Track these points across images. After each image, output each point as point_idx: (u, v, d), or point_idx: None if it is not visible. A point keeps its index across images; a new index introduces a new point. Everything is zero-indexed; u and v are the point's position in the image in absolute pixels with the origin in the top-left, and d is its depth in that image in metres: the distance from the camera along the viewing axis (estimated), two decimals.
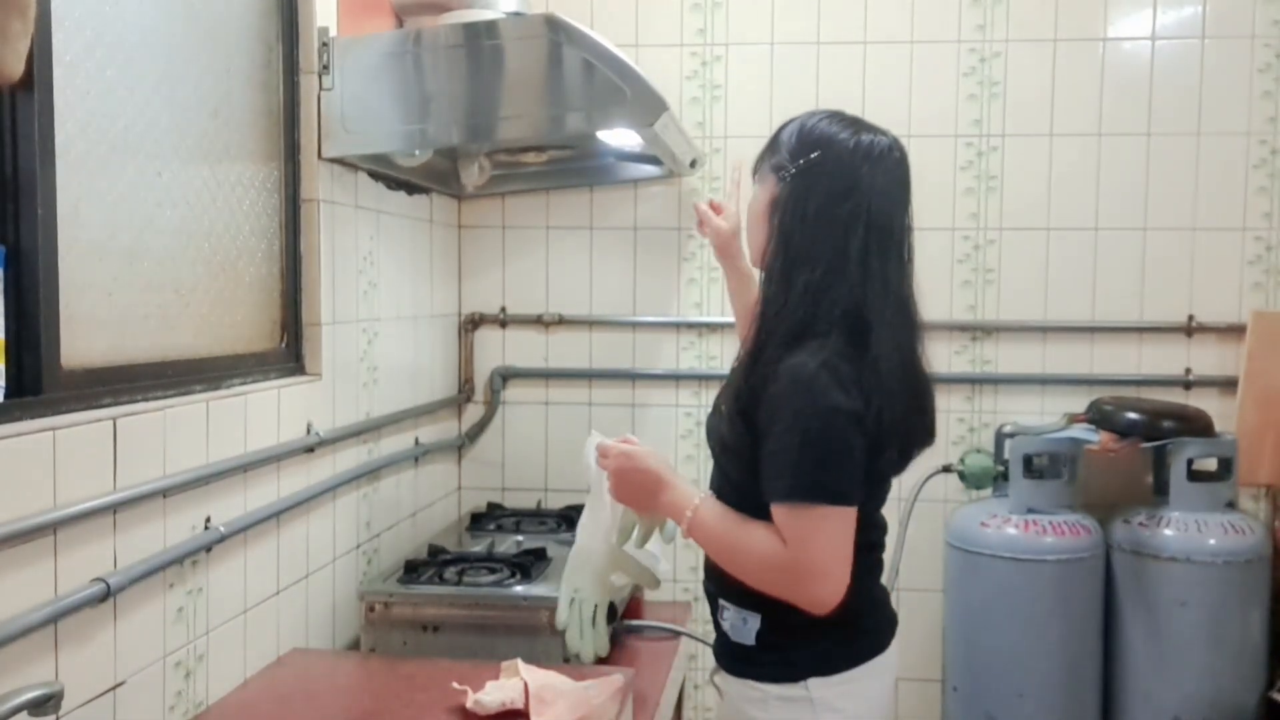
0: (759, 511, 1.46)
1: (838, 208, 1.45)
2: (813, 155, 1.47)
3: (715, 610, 1.62)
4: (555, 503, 2.80)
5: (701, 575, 1.65)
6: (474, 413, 2.94)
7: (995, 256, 2.78)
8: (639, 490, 1.58)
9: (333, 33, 2.06)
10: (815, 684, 1.50)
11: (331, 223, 2.10)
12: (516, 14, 2.30)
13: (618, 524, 1.68)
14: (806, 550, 1.39)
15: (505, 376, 2.92)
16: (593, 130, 2.28)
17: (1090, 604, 2.55)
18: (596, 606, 1.75)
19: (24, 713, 1.17)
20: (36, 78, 1.33)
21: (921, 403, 1.56)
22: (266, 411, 1.83)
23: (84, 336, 1.46)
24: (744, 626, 1.54)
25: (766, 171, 1.54)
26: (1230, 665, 2.49)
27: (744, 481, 1.49)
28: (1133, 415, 2.55)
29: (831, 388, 1.38)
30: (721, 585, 1.56)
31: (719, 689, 1.65)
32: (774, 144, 1.54)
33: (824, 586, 1.40)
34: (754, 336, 1.49)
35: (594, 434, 1.68)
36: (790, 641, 1.51)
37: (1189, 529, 2.49)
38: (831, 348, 1.41)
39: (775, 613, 1.49)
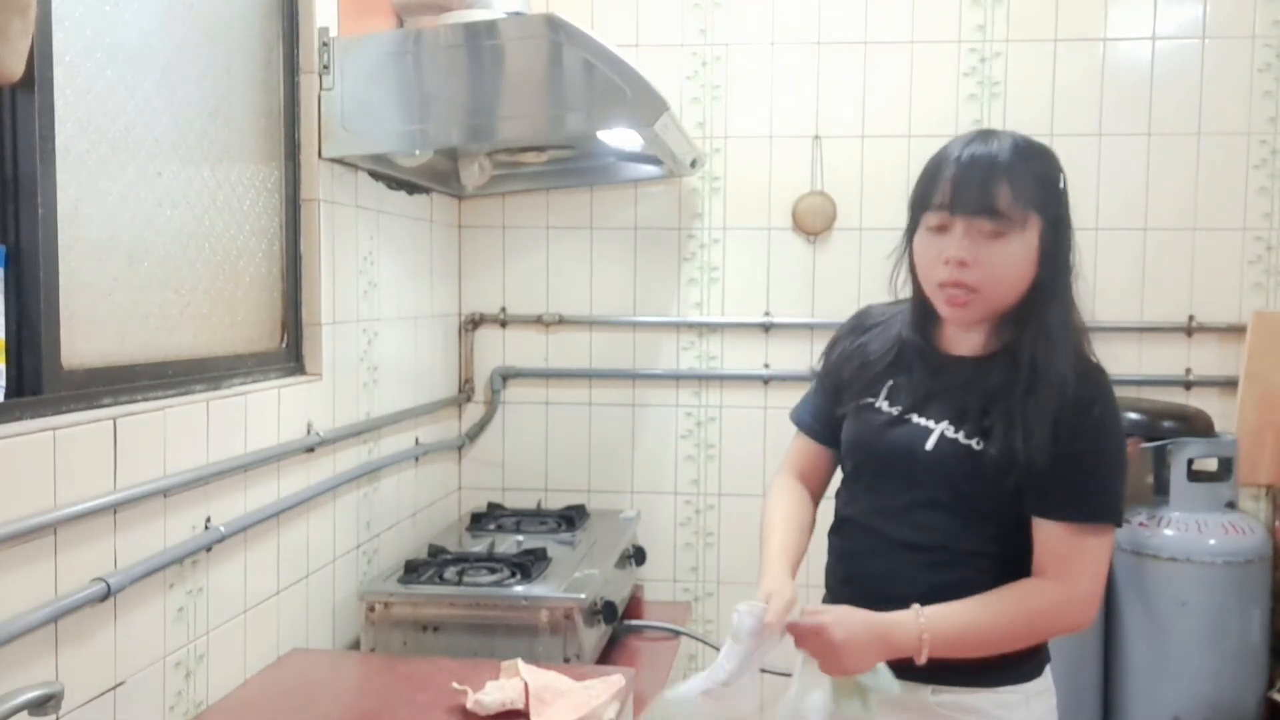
0: (978, 528, 1.40)
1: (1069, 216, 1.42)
2: (1061, 173, 1.39)
3: None
4: (555, 503, 2.81)
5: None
6: (474, 413, 2.93)
7: None
8: (868, 646, 1.33)
9: (333, 33, 2.06)
10: (1047, 670, 1.51)
11: (331, 223, 2.10)
12: (516, 14, 2.30)
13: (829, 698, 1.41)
14: (1098, 576, 1.36)
15: (505, 376, 2.92)
16: (593, 130, 2.28)
17: None
18: None
19: (24, 713, 1.17)
20: (37, 78, 1.33)
21: None
22: (266, 411, 1.83)
23: (84, 336, 1.46)
24: None
25: (1021, 213, 1.34)
26: (1230, 665, 2.49)
27: (991, 501, 1.38)
28: (1133, 415, 2.55)
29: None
30: None
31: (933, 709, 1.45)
32: (1017, 183, 1.33)
33: (1093, 611, 1.38)
34: (1040, 354, 1.36)
35: (740, 607, 1.35)
36: None
37: (1189, 529, 2.49)
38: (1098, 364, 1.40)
39: None
